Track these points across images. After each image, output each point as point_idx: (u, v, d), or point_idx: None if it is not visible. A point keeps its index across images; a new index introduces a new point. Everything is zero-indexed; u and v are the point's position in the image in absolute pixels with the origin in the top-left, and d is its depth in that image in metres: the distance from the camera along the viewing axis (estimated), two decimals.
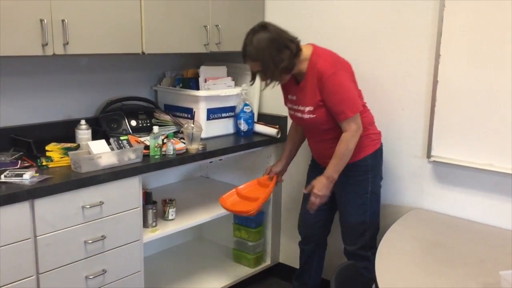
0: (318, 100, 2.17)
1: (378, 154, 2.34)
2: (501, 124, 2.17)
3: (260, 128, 2.94)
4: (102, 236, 2.09)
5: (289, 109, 2.38)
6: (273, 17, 2.94)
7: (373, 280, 1.74)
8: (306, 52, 2.17)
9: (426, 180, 2.45)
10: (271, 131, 2.89)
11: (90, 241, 2.05)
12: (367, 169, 2.29)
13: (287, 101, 2.39)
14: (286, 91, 2.39)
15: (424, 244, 2.05)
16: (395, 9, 2.41)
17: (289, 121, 2.92)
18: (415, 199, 2.48)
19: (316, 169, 2.43)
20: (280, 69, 2.12)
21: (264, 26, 2.13)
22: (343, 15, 2.62)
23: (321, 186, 2.21)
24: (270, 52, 2.09)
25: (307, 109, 2.22)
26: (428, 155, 2.40)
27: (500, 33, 2.12)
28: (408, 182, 2.48)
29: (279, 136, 2.89)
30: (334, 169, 2.20)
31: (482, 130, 2.22)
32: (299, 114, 2.29)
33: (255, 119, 2.98)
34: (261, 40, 2.09)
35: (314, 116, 2.20)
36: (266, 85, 2.23)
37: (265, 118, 3.01)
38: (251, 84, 2.34)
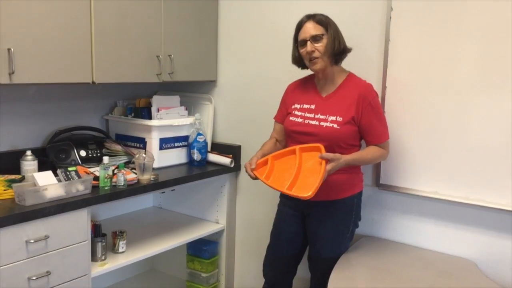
0: (350, 116, 2.12)
1: (361, 195, 2.30)
2: (444, 153, 2.26)
3: (213, 157, 2.93)
4: (47, 272, 2.01)
5: (295, 116, 2.22)
6: (226, 48, 2.98)
7: None
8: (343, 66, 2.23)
9: (376, 208, 2.50)
10: (224, 160, 2.89)
11: (34, 278, 1.96)
12: (352, 209, 2.23)
13: (291, 110, 2.26)
14: (295, 99, 2.28)
15: (375, 271, 2.08)
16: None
17: (243, 150, 2.96)
18: (366, 227, 2.52)
19: (291, 208, 2.30)
20: (341, 47, 2.13)
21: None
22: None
23: (335, 168, 2.01)
24: (337, 28, 2.15)
25: (332, 118, 2.12)
26: (377, 184, 2.46)
27: (442, 65, 2.23)
28: None
29: (232, 165, 2.90)
30: (353, 158, 2.09)
31: (427, 158, 2.30)
32: (313, 122, 2.16)
33: (209, 149, 2.97)
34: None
35: (338, 128, 2.10)
36: (327, 50, 2.11)
37: (218, 148, 3.01)
38: (301, 68, 2.28)
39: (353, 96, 2.14)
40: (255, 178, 2.09)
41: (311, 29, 2.12)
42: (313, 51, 2.11)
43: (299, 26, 2.17)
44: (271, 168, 2.12)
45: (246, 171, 2.13)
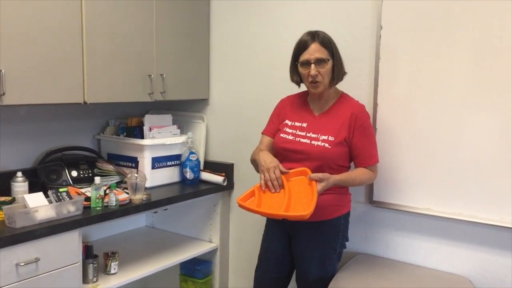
0: (342, 137, 2.09)
1: (349, 215, 2.25)
2: (437, 169, 2.26)
3: (206, 176, 2.92)
4: None
5: (286, 134, 2.20)
6: (218, 66, 2.99)
7: None
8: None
9: (370, 225, 2.50)
10: (217, 179, 2.88)
11: None
12: (339, 229, 2.17)
13: (282, 126, 2.24)
14: (287, 115, 2.25)
15: None
16: None
17: (236, 169, 2.95)
18: (360, 244, 2.52)
19: (278, 229, 2.26)
20: (343, 70, 2.12)
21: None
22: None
23: (325, 187, 1.99)
24: (337, 48, 2.11)
25: (324, 137, 2.10)
26: (370, 201, 2.46)
27: (433, 82, 2.25)
28: (353, 227, 2.50)
29: (225, 183, 2.88)
30: (341, 179, 2.05)
31: (420, 175, 2.31)
32: (304, 140, 2.13)
33: (201, 167, 2.96)
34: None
35: (329, 147, 2.08)
36: (331, 78, 2.09)
37: (211, 166, 3.00)
38: (299, 86, 2.24)
39: (346, 116, 2.12)
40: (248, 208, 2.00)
41: (316, 51, 2.04)
42: (316, 75, 2.06)
43: (303, 47, 2.07)
44: (259, 199, 2.04)
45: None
